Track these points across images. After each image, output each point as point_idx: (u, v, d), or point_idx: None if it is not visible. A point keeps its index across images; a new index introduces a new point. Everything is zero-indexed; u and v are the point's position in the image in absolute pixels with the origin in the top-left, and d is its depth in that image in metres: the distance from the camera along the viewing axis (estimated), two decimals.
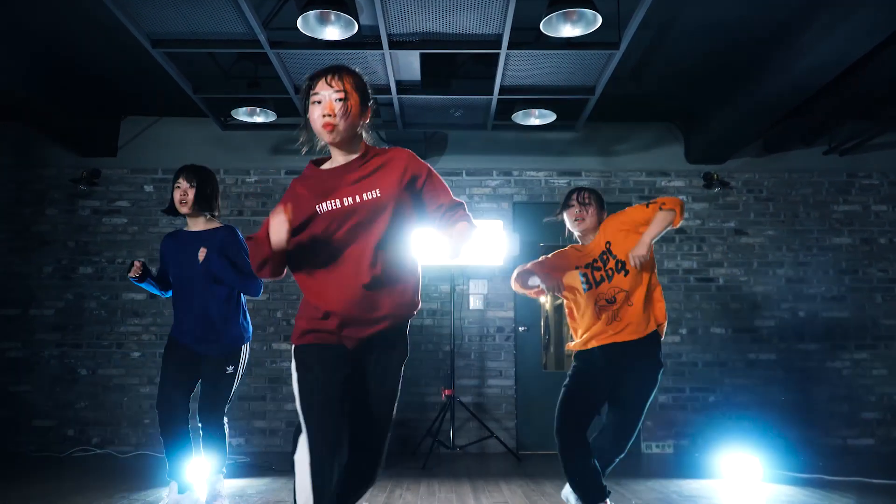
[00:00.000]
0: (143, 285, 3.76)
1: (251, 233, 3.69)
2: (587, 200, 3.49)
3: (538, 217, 6.56)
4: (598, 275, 3.42)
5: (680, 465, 5.55)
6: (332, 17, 4.12)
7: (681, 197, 3.42)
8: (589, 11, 3.99)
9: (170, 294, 3.83)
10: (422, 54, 4.82)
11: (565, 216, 3.55)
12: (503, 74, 5.00)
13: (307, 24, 4.14)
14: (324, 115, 2.23)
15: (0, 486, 4.48)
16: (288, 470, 5.02)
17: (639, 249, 3.27)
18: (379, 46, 4.57)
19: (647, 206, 3.36)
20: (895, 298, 6.54)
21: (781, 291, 6.52)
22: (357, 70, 2.35)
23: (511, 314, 6.48)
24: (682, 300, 6.49)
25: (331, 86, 2.25)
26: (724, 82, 5.70)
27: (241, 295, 3.76)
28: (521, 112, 5.65)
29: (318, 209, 2.25)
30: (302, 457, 2.17)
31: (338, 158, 2.35)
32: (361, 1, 4.14)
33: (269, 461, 5.43)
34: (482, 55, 4.90)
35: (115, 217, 6.50)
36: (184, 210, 3.68)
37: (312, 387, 2.19)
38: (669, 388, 6.31)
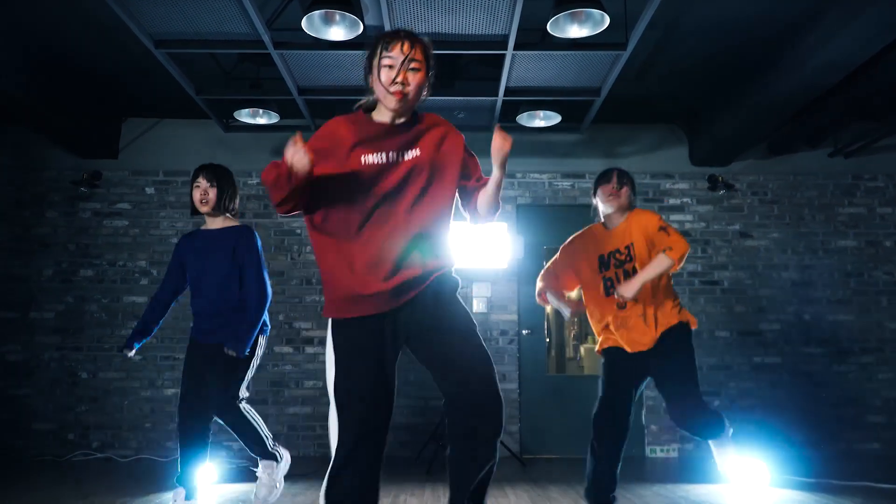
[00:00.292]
0: (138, 346, 3.77)
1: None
2: (623, 180, 3.52)
3: (542, 219, 6.52)
4: (619, 274, 3.44)
5: (685, 470, 5.51)
6: (337, 18, 4.09)
7: (688, 241, 3.48)
8: (596, 11, 3.96)
9: (157, 327, 3.86)
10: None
11: (598, 193, 3.56)
12: (508, 75, 4.97)
13: (312, 24, 4.11)
14: (396, 82, 2.19)
15: (5, 489, 4.44)
16: (289, 474, 4.97)
17: (628, 290, 3.30)
18: None
19: (660, 229, 3.39)
20: None
21: (786, 294, 6.49)
22: (429, 40, 2.31)
23: (514, 317, 6.44)
24: (687, 303, 6.45)
25: (404, 52, 2.19)
26: (729, 84, 5.67)
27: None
28: (525, 114, 5.63)
29: (362, 159, 2.22)
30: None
31: (385, 114, 2.30)
32: (367, 1, 4.11)
33: None
34: (487, 56, 4.87)
35: (116, 219, 6.46)
36: (204, 209, 3.69)
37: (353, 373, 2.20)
38: None
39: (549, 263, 3.75)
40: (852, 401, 6.33)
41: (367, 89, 2.33)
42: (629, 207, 3.55)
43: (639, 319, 3.40)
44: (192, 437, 3.60)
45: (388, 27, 4.25)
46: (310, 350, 6.29)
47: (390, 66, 2.20)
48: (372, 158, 2.22)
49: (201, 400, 3.61)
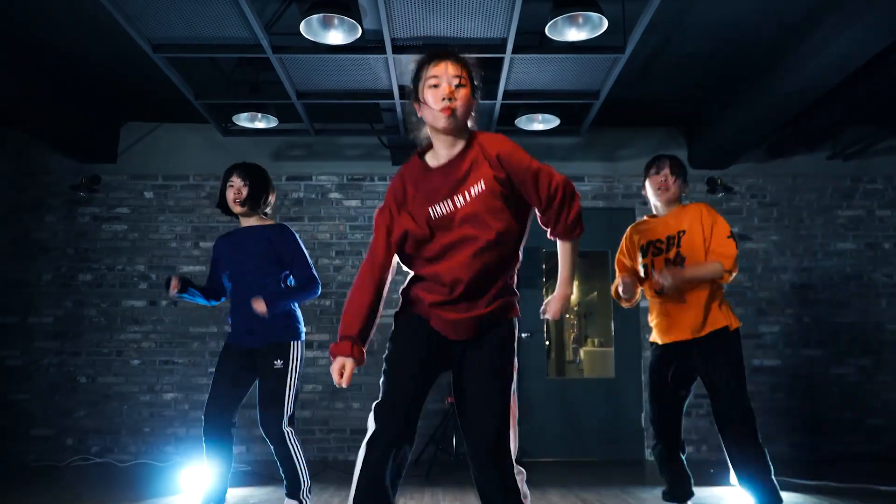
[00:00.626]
0: (187, 297, 3.68)
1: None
2: (674, 170, 3.47)
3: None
4: (657, 262, 3.41)
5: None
6: (336, 22, 4.09)
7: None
8: (595, 15, 3.96)
9: (215, 303, 3.83)
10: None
11: (647, 184, 3.53)
12: (507, 78, 4.98)
13: (310, 28, 4.10)
14: (443, 99, 2.19)
15: (3, 495, 4.44)
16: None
17: (669, 277, 3.24)
18: (382, 51, 4.54)
19: (728, 237, 3.34)
20: None
21: (786, 297, 6.49)
22: (470, 57, 2.32)
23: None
24: None
25: (448, 70, 2.22)
26: (728, 87, 5.67)
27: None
28: (524, 117, 5.63)
29: (431, 212, 2.26)
30: None
31: (441, 152, 2.32)
32: (365, 5, 4.11)
33: (270, 469, 5.38)
34: (485, 59, 4.86)
35: (115, 224, 6.45)
36: (238, 209, 3.66)
37: None
38: None
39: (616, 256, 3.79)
40: (852, 403, 6.33)
41: (417, 122, 2.36)
42: (679, 199, 3.53)
43: (679, 306, 3.36)
44: (215, 441, 3.56)
45: (386, 31, 4.26)
46: (309, 354, 6.27)
47: (435, 86, 2.22)
48: (441, 209, 2.26)
49: (229, 406, 3.56)
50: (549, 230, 2.43)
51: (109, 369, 6.25)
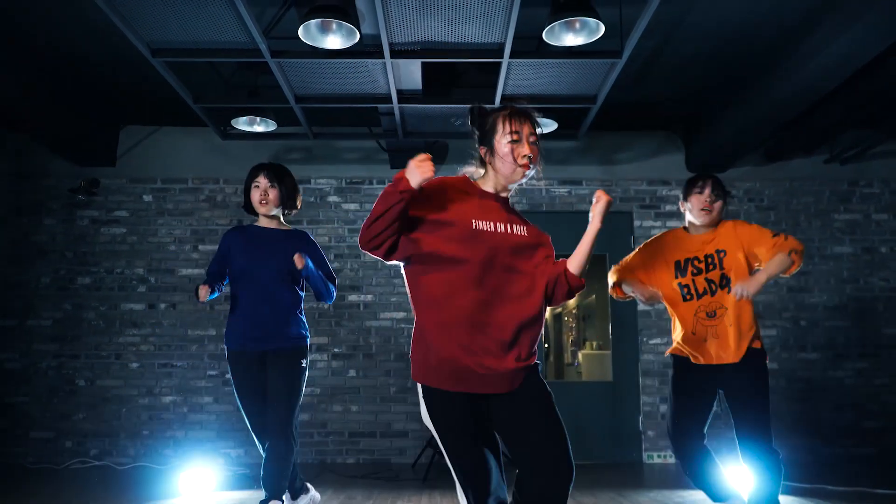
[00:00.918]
0: (213, 296, 3.62)
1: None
2: (718, 193, 3.41)
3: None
4: (698, 282, 3.36)
5: (681, 476, 5.50)
6: (334, 26, 4.10)
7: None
8: (592, 20, 3.98)
9: (215, 295, 3.66)
10: (423, 63, 4.81)
11: (691, 201, 3.45)
12: (505, 83, 4.99)
13: (308, 33, 4.12)
14: (526, 155, 2.31)
15: (2, 497, 4.44)
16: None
17: (751, 287, 3.17)
18: (380, 55, 4.55)
19: (774, 235, 3.28)
20: None
21: (783, 300, 6.50)
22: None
23: None
24: None
25: (530, 127, 2.36)
26: (725, 90, 5.69)
27: (302, 299, 3.70)
28: None
29: (473, 222, 2.27)
30: None
31: (493, 184, 2.42)
32: (363, 10, 4.13)
33: None
34: (484, 64, 4.89)
35: (114, 227, 6.47)
36: (263, 210, 3.64)
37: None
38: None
39: (622, 260, 3.64)
40: (849, 406, 6.34)
41: (478, 163, 2.44)
42: (720, 219, 3.46)
43: (728, 329, 3.28)
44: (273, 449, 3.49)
45: (384, 36, 4.27)
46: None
47: (516, 141, 2.32)
48: (482, 224, 2.28)
49: (265, 406, 3.52)
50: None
51: (108, 372, 6.25)
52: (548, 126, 5.74)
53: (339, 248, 6.49)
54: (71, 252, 6.41)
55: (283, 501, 3.53)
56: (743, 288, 3.17)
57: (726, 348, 3.28)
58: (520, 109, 2.39)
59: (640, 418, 6.33)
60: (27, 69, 5.16)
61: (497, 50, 4.52)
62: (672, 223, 6.53)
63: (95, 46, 5.10)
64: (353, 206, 6.56)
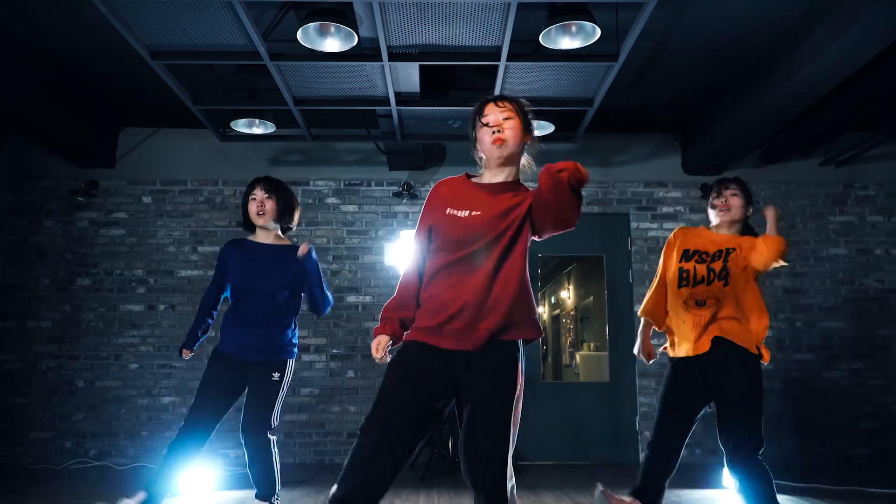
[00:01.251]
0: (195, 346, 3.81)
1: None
2: (735, 191, 3.46)
3: None
4: (700, 270, 3.35)
5: (679, 475, 5.51)
6: (332, 30, 4.14)
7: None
8: (588, 24, 4.03)
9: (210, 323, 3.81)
10: (421, 66, 4.84)
11: (714, 204, 3.48)
12: (502, 86, 5.03)
13: (307, 36, 4.16)
14: (494, 132, 2.41)
15: (2, 497, 4.47)
16: (286, 481, 5.02)
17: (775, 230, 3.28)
18: (378, 58, 4.58)
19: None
20: (891, 308, 6.56)
21: (778, 302, 6.54)
22: (522, 98, 2.56)
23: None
24: None
25: (498, 107, 2.46)
26: (722, 93, 5.74)
27: (297, 312, 3.75)
28: None
29: (458, 213, 2.41)
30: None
31: (488, 176, 2.52)
32: (361, 13, 4.16)
33: None
34: (481, 67, 4.92)
35: (113, 228, 6.49)
36: (260, 222, 3.67)
37: None
38: None
39: (647, 294, 3.64)
40: (844, 407, 6.38)
41: (476, 162, 2.59)
42: (742, 222, 3.47)
43: (714, 321, 3.28)
44: (185, 447, 3.53)
45: (382, 39, 4.30)
46: (306, 358, 6.31)
47: (487, 124, 2.44)
48: (463, 213, 2.41)
49: (215, 414, 3.57)
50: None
51: (107, 373, 6.28)
52: (545, 128, 5.78)
53: (338, 249, 6.53)
54: (70, 253, 6.44)
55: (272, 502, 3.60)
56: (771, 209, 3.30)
57: (703, 340, 3.27)
58: (488, 98, 2.52)
59: (637, 419, 6.36)
60: (27, 72, 5.20)
61: (494, 53, 4.55)
62: (669, 225, 6.57)
63: (95, 49, 5.13)
64: (351, 208, 6.59)
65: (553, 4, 4.04)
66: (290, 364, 3.70)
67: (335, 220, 6.58)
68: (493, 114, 2.45)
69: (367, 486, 2.20)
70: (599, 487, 3.48)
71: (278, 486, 3.64)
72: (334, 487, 2.22)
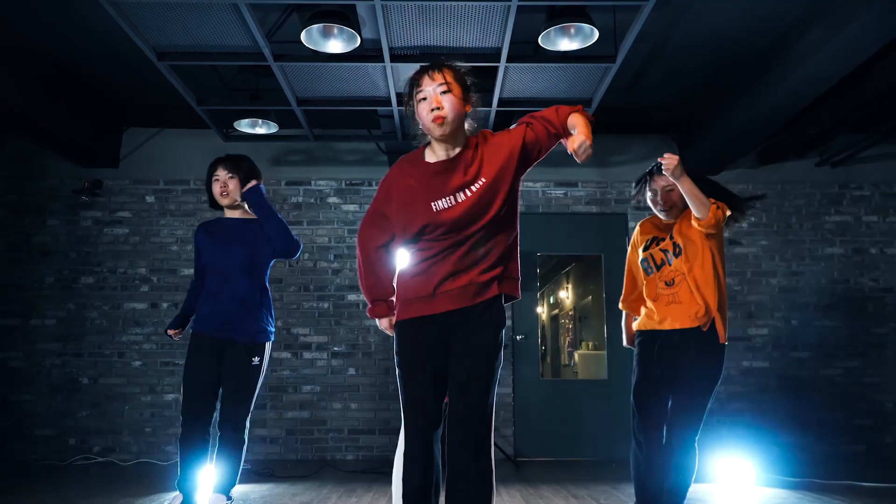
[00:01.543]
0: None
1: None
2: (668, 184, 3.41)
3: (535, 227, 6.64)
4: (658, 256, 3.39)
5: None
6: (335, 31, 4.23)
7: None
8: (586, 26, 4.11)
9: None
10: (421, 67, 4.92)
11: (648, 195, 3.47)
12: (502, 87, 5.11)
13: (311, 37, 4.24)
14: (432, 110, 2.30)
15: (6, 494, 4.53)
16: (288, 476, 5.09)
17: (672, 160, 3.12)
18: (380, 59, 4.66)
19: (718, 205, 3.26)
20: (886, 307, 6.64)
21: (775, 300, 6.62)
22: (456, 63, 2.43)
23: (508, 323, 6.56)
24: None
25: (433, 80, 2.32)
26: (719, 94, 5.81)
27: (269, 291, 3.75)
28: None
29: (433, 206, 2.34)
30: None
31: (440, 153, 2.41)
32: (364, 15, 4.24)
33: (269, 468, 5.49)
34: (481, 68, 4.99)
35: (117, 227, 6.57)
36: (225, 202, 3.70)
37: None
38: None
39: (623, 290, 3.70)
40: (839, 404, 6.45)
41: (419, 135, 2.46)
42: (684, 207, 3.40)
43: (687, 295, 3.27)
44: (196, 440, 3.55)
45: (384, 40, 4.38)
46: (307, 355, 6.39)
47: (424, 99, 2.33)
48: (442, 204, 2.34)
49: (208, 405, 3.58)
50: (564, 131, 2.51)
51: (111, 370, 6.35)
52: None
53: (339, 248, 6.60)
54: (74, 252, 6.51)
55: (229, 498, 3.60)
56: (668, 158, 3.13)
57: (685, 314, 3.26)
58: (425, 66, 2.39)
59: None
60: (32, 73, 5.28)
61: (494, 54, 4.63)
62: None
63: (98, 50, 5.21)
64: (352, 207, 6.67)
65: (552, 7, 4.12)
66: (269, 347, 3.69)
67: (336, 220, 6.65)
68: (429, 86, 2.32)
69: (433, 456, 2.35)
70: None
71: (237, 481, 3.66)
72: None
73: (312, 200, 6.66)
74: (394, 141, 6.19)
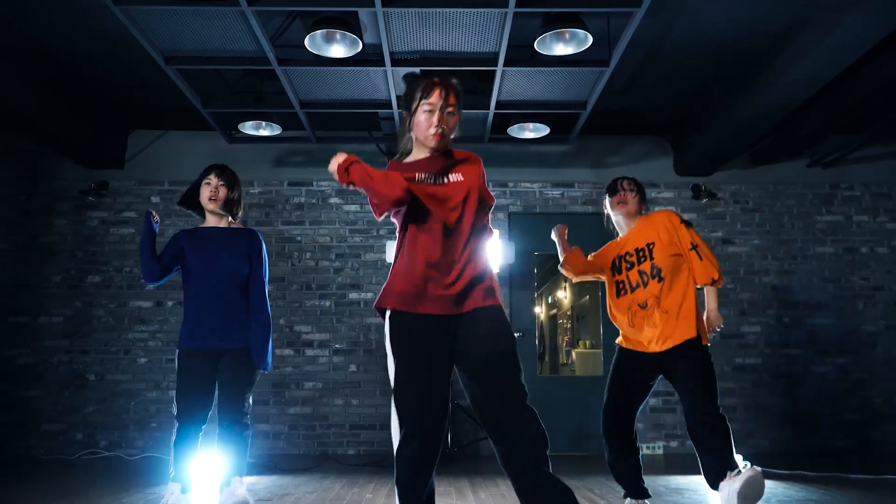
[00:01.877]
0: (144, 234, 3.65)
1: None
2: (630, 187, 3.73)
3: (533, 227, 6.78)
4: (631, 276, 3.59)
5: (669, 464, 5.76)
6: (338, 37, 4.37)
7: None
8: (580, 31, 4.25)
9: (153, 282, 3.71)
10: (422, 71, 5.05)
11: (607, 202, 3.78)
12: (499, 90, 5.24)
13: (314, 42, 4.38)
14: (437, 126, 2.46)
15: (16, 487, 4.65)
16: (292, 469, 5.21)
17: (717, 322, 3.58)
18: (381, 63, 4.81)
19: (691, 248, 3.56)
20: (876, 305, 6.78)
21: (767, 298, 6.76)
22: (459, 84, 2.55)
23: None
24: None
25: (444, 99, 2.47)
26: (711, 97, 5.94)
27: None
28: (516, 126, 5.91)
29: (416, 176, 2.47)
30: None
31: (422, 152, 2.57)
32: (365, 21, 4.38)
33: (273, 462, 5.62)
34: (479, 72, 5.14)
35: (123, 227, 6.70)
36: (211, 206, 3.68)
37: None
38: (659, 391, 6.51)
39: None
40: (830, 400, 6.59)
41: (405, 129, 2.58)
42: (639, 213, 3.75)
43: (662, 316, 3.46)
44: (189, 441, 3.60)
45: (385, 46, 4.52)
46: (309, 353, 6.53)
47: (430, 111, 2.46)
48: (421, 176, 2.48)
49: (203, 409, 3.59)
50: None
51: (117, 367, 6.49)
52: (540, 131, 6.00)
53: (340, 247, 6.74)
54: (81, 251, 6.65)
55: (241, 478, 3.65)
56: (715, 325, 3.57)
57: (662, 336, 3.45)
58: (437, 80, 2.50)
59: None
60: (40, 77, 5.40)
61: (492, 59, 4.78)
62: None
63: (105, 55, 5.33)
64: (353, 208, 6.80)
65: (547, 13, 4.26)
66: None
67: (338, 220, 6.79)
68: (439, 102, 2.45)
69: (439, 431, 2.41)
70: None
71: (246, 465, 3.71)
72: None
73: (314, 201, 6.80)
74: (394, 142, 6.30)
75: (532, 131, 6.04)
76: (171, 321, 6.55)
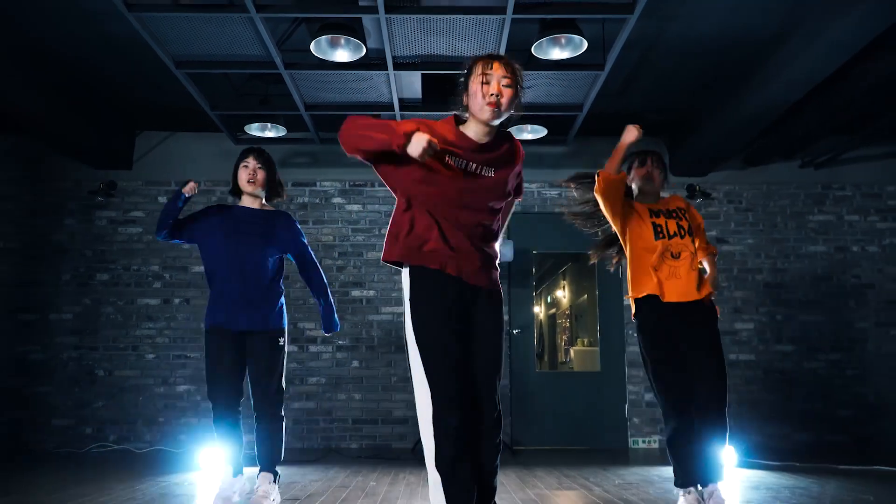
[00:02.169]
0: (179, 203, 3.64)
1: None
2: (657, 164, 3.76)
3: (531, 226, 6.93)
4: (670, 224, 3.55)
5: (664, 457, 5.89)
6: (342, 42, 4.53)
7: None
8: (576, 37, 4.41)
9: (162, 236, 3.72)
10: (423, 75, 5.22)
11: (633, 171, 3.81)
12: None
13: (319, 47, 4.54)
14: (493, 94, 2.41)
15: (31, 478, 4.78)
16: (297, 461, 5.34)
17: (716, 285, 3.56)
18: (384, 67, 4.96)
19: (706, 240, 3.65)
20: (868, 303, 6.92)
21: (760, 296, 6.91)
22: (520, 66, 2.54)
23: (505, 318, 6.82)
24: None
25: (503, 70, 2.44)
26: (707, 99, 6.08)
27: (282, 284, 3.79)
28: (514, 127, 6.05)
29: (455, 161, 2.47)
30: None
31: (479, 135, 2.54)
32: (369, 27, 4.54)
33: None
34: None
35: (131, 227, 6.85)
36: (250, 189, 3.67)
37: None
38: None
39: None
40: (822, 396, 6.74)
41: (460, 107, 2.56)
42: (662, 187, 3.76)
43: (689, 272, 3.47)
44: (229, 423, 3.61)
45: (388, 50, 4.68)
46: (313, 349, 6.68)
47: (486, 82, 2.42)
48: (454, 162, 2.48)
49: (235, 387, 3.59)
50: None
51: (126, 363, 6.64)
52: (538, 132, 6.15)
53: (343, 246, 6.89)
54: (90, 250, 6.80)
55: (276, 474, 3.70)
56: (715, 288, 3.55)
57: (687, 288, 3.44)
58: (494, 54, 2.51)
59: (626, 406, 6.72)
60: (49, 80, 5.53)
61: None
62: None
63: (114, 58, 5.46)
64: (356, 207, 6.96)
65: (544, 19, 4.42)
66: (285, 332, 3.72)
67: (340, 219, 6.94)
68: (498, 72, 2.43)
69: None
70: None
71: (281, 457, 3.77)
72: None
73: (318, 201, 6.95)
74: None
75: (530, 133, 6.19)
76: (178, 318, 6.70)
